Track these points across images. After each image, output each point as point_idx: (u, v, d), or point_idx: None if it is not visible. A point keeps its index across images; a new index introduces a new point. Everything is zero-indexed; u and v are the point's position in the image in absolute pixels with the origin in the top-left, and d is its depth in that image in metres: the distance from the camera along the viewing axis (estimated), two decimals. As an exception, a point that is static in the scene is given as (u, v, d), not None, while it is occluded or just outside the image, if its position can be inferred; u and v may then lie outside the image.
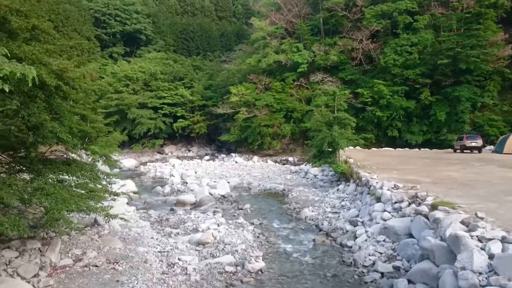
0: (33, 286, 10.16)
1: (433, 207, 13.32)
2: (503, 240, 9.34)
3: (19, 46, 9.59)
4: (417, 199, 15.06)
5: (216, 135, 60.05)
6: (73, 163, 13.96)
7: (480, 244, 9.48)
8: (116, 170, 41.43)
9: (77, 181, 13.43)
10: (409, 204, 15.13)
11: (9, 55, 7.25)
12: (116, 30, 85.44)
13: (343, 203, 20.62)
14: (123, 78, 61.15)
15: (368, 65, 53.63)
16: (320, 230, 17.61)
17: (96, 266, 11.68)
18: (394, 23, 52.88)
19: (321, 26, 57.39)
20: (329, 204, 21.28)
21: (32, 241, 12.03)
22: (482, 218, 11.10)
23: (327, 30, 58.01)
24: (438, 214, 12.23)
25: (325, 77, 53.01)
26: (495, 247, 9.12)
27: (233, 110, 53.59)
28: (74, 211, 10.77)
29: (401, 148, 50.12)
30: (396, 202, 15.82)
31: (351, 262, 13.27)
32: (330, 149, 25.72)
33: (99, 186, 13.16)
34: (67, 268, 11.39)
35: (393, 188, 17.36)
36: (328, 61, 53.50)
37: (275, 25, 57.54)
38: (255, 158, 50.12)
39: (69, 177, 13.45)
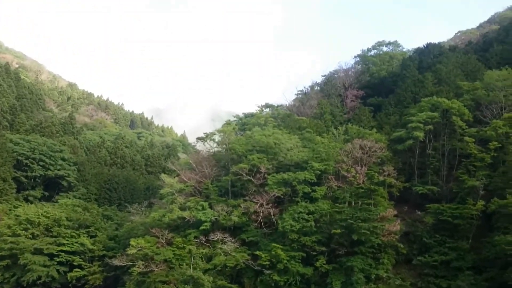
0: None
1: None
2: None
3: None
4: None
5: (116, 288, 57.23)
6: None
7: None
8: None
9: None
10: None
11: None
12: (37, 174, 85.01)
13: None
14: (24, 221, 59.34)
15: (268, 228, 55.39)
16: None
17: None
18: (295, 191, 56.28)
19: (229, 187, 60.12)
20: None
21: None
22: None
23: (235, 192, 60.58)
24: None
25: (225, 237, 53.79)
26: None
27: (131, 263, 52.30)
28: None
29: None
30: None
31: None
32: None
33: None
34: None
35: None
36: (230, 222, 54.98)
37: (185, 183, 59.86)
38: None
39: None
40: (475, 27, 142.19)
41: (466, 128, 60.00)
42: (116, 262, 53.46)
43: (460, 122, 59.59)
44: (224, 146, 64.34)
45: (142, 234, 56.36)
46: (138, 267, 50.97)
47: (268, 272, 51.38)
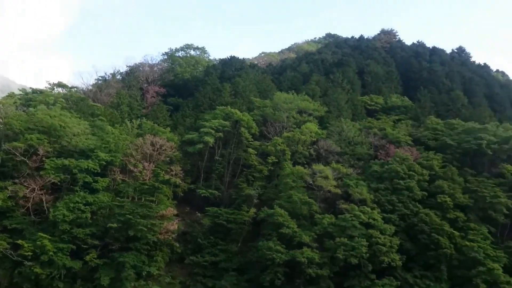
0: None
1: None
2: None
3: None
4: None
5: None
6: None
7: None
8: None
9: None
10: None
11: None
12: None
13: None
14: None
15: (37, 216, 50.74)
16: None
17: None
18: (75, 179, 52.85)
19: (-1, 167, 53.44)
20: None
21: None
22: None
23: (4, 172, 53.94)
24: None
25: (-17, 222, 47.44)
26: None
27: None
28: None
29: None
30: None
31: None
32: None
33: None
34: None
35: None
36: (-8, 205, 48.70)
37: None
38: None
39: None
40: (277, 51, 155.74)
41: (251, 141, 65.23)
42: None
43: (247, 134, 64.34)
44: (0, 120, 56.94)
45: None
46: None
47: (29, 263, 46.93)
